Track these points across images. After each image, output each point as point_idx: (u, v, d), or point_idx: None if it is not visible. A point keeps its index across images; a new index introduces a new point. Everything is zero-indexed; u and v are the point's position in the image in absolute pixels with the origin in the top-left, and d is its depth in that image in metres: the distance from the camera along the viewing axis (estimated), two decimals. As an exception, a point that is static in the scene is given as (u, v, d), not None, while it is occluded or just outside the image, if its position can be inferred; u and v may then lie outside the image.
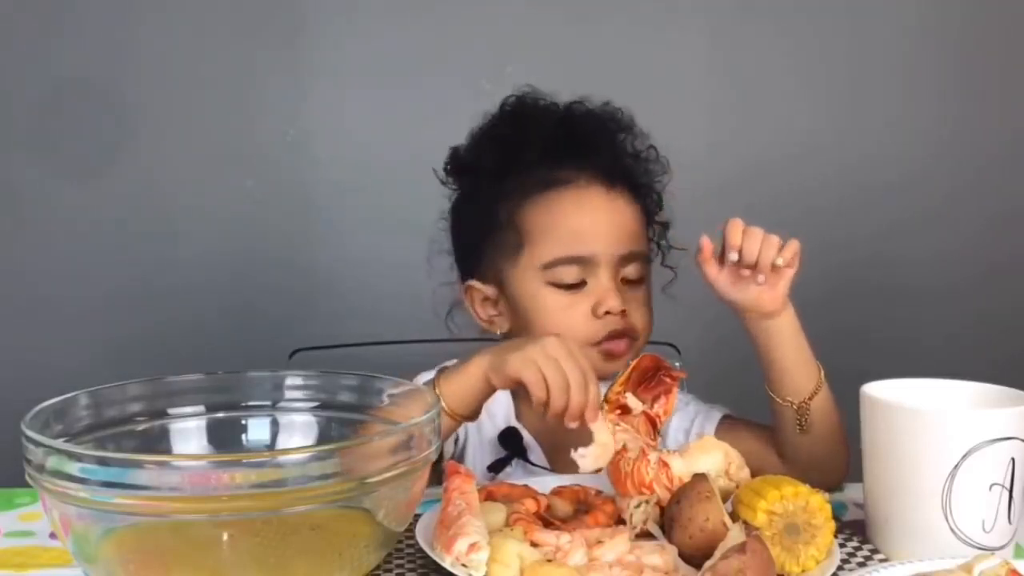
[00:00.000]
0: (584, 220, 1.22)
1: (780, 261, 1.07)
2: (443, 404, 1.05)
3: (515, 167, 1.26)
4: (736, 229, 1.08)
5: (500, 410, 1.28)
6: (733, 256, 1.07)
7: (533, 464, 1.24)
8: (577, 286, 1.21)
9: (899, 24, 2.06)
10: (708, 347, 1.55)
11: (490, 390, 1.07)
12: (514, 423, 1.28)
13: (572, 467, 1.24)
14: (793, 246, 1.08)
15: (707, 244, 1.10)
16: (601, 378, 1.23)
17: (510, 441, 1.25)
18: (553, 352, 1.02)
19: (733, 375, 1.30)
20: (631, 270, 1.22)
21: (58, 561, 0.96)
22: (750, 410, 1.25)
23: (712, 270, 1.11)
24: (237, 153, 2.04)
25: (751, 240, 1.07)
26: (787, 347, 1.12)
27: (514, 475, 1.23)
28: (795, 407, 1.13)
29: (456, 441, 1.25)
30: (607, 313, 1.20)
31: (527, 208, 1.24)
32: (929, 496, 0.92)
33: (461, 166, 1.32)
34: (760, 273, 1.08)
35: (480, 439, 1.27)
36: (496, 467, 1.24)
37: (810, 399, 1.12)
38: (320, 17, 2.01)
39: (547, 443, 1.27)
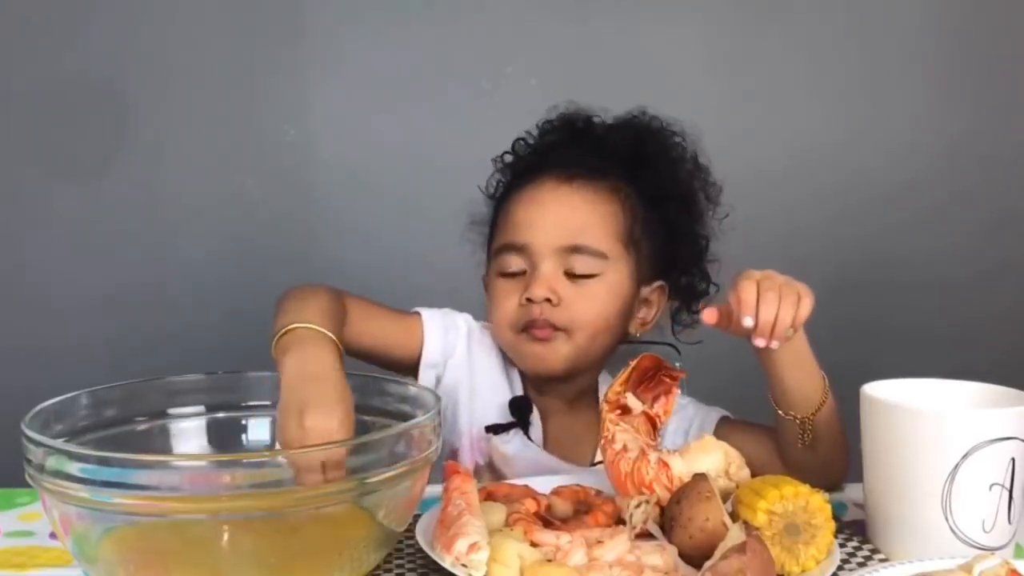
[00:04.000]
0: (526, 211, 1.24)
1: (791, 333, 1.04)
2: None
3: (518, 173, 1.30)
4: (750, 291, 1.04)
5: (500, 380, 1.29)
6: (748, 323, 1.03)
7: (530, 439, 1.25)
8: (518, 275, 1.23)
9: (903, 25, 2.06)
10: (708, 347, 1.55)
11: None
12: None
13: (563, 451, 1.25)
14: (807, 307, 1.04)
15: (712, 316, 1.07)
16: (530, 368, 1.26)
17: (518, 409, 1.26)
18: None
19: (734, 375, 1.30)
20: (577, 263, 1.21)
21: (58, 561, 0.96)
22: (751, 410, 1.25)
23: (722, 326, 1.08)
24: (237, 153, 2.04)
25: (767, 306, 1.03)
26: (794, 367, 1.10)
27: (510, 443, 1.24)
28: (799, 421, 1.12)
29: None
30: (529, 300, 1.21)
31: (499, 207, 1.30)
32: (929, 496, 0.92)
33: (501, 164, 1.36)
34: (775, 339, 1.04)
35: (471, 406, 1.28)
36: (496, 429, 1.25)
37: (814, 414, 1.11)
38: (320, 16, 2.01)
39: (548, 425, 1.28)
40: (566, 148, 1.28)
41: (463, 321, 1.29)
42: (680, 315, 1.31)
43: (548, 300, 1.20)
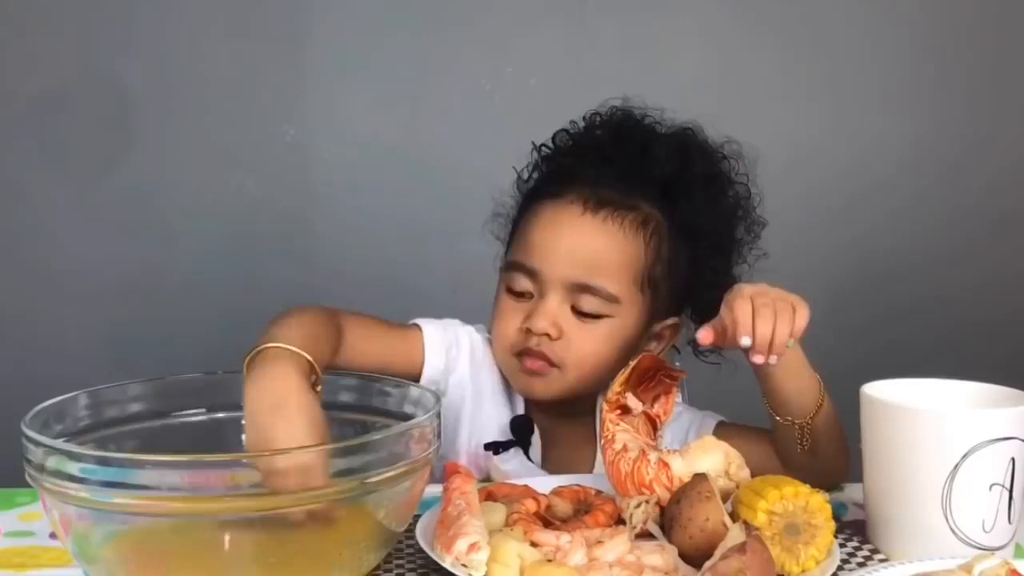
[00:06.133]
0: (545, 235, 1.19)
1: (791, 344, 1.02)
2: None
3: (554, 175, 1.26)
4: (745, 310, 1.01)
5: (501, 398, 1.27)
6: (746, 342, 1.01)
7: (529, 459, 1.25)
8: (524, 295, 1.20)
9: (898, 28, 2.06)
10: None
11: None
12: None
13: (559, 471, 1.24)
14: (803, 318, 1.02)
15: (708, 337, 1.05)
16: (520, 391, 1.24)
17: (520, 430, 1.25)
18: None
19: (733, 375, 1.30)
20: (585, 303, 1.17)
21: (58, 561, 0.96)
22: (750, 411, 1.25)
23: (718, 344, 1.06)
24: (237, 153, 2.04)
25: (763, 323, 1.01)
26: (790, 375, 1.08)
27: (509, 462, 1.23)
28: (797, 426, 1.10)
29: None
30: (528, 330, 1.18)
31: (523, 210, 1.26)
32: (929, 496, 0.92)
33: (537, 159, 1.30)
34: (774, 355, 1.02)
35: (472, 422, 1.26)
36: (495, 447, 1.23)
37: (812, 418, 1.10)
38: (320, 16, 2.01)
39: (547, 444, 1.27)
40: (607, 151, 1.23)
41: (466, 336, 1.26)
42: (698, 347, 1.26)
43: (547, 335, 1.18)
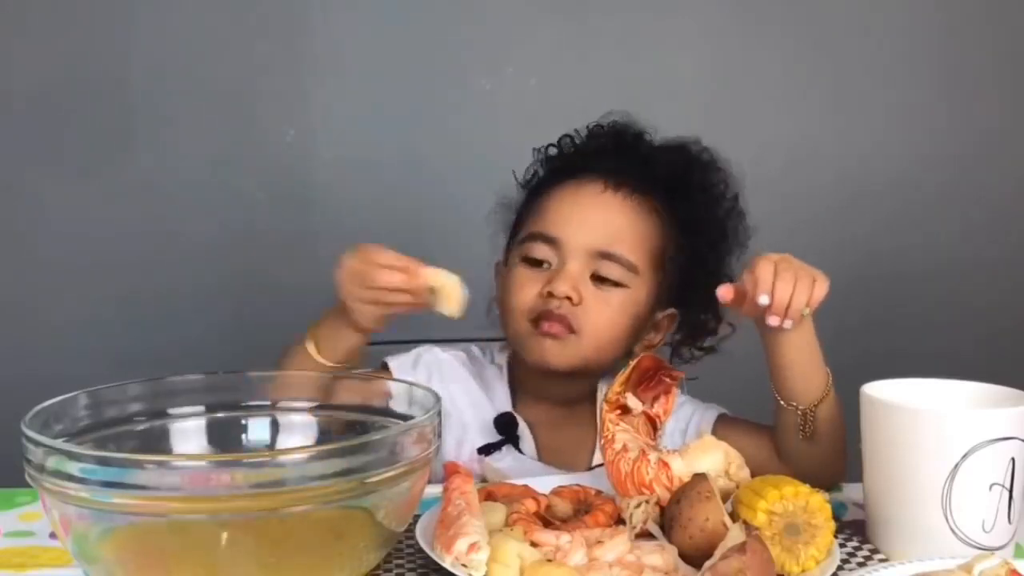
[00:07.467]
0: (566, 207, 1.23)
1: (806, 312, 1.05)
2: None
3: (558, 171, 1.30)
4: (768, 270, 1.04)
5: (480, 400, 1.29)
6: (764, 300, 1.04)
7: (522, 453, 1.25)
8: (542, 266, 1.22)
9: (898, 28, 2.06)
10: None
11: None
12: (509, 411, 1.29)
13: (559, 461, 1.25)
14: (822, 289, 1.05)
15: (728, 293, 1.07)
16: (535, 361, 1.25)
17: (505, 427, 1.26)
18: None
19: (733, 374, 1.30)
20: (606, 269, 1.21)
21: (58, 561, 0.96)
22: (749, 410, 1.25)
23: (737, 304, 1.08)
24: (237, 153, 2.04)
25: (783, 285, 1.04)
26: (799, 355, 1.10)
27: (503, 460, 1.24)
28: (800, 412, 1.12)
29: None
30: (550, 294, 1.20)
31: (534, 196, 1.29)
32: (929, 496, 0.92)
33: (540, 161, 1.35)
34: (789, 319, 1.05)
35: (455, 432, 1.27)
36: (487, 450, 1.24)
37: (816, 406, 1.11)
38: (320, 16, 2.02)
39: (539, 436, 1.28)
40: (612, 157, 1.27)
41: (431, 356, 1.30)
42: (681, 349, 1.31)
43: (568, 299, 1.20)
